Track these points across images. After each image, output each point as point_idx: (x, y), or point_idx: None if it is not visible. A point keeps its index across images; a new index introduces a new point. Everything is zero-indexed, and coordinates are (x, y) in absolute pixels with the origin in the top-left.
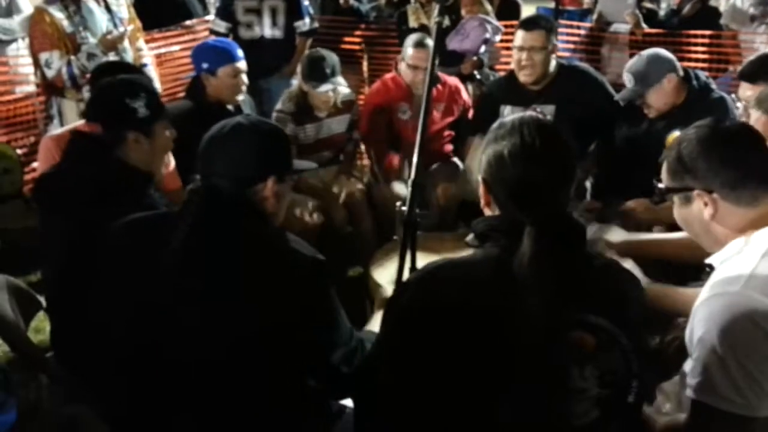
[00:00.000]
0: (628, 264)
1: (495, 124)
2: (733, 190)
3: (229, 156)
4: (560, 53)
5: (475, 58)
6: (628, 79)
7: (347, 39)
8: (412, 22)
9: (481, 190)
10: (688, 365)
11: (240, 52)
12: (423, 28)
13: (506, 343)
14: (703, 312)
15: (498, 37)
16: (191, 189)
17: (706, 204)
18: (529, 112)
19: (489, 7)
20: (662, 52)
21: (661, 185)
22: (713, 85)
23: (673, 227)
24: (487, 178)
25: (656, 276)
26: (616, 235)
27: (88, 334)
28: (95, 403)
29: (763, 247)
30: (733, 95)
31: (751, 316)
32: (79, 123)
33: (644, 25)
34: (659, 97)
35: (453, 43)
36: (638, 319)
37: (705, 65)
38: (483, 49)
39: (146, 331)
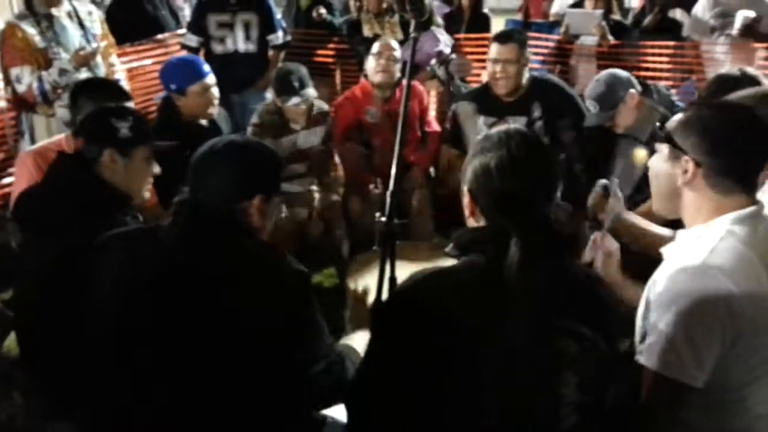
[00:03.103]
0: (614, 245)
1: (481, 136)
2: (716, 175)
3: (219, 171)
4: (530, 65)
5: (428, 68)
6: (592, 106)
7: (320, 52)
8: (366, 32)
9: (465, 200)
10: (639, 331)
11: (206, 67)
12: (377, 39)
13: (494, 349)
14: (662, 283)
15: (449, 50)
16: (178, 200)
17: (685, 171)
18: (515, 125)
19: (440, 21)
20: (618, 71)
21: (662, 132)
22: (674, 98)
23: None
24: (473, 189)
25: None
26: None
27: (67, 351)
28: (74, 419)
29: (722, 230)
30: None
31: (706, 291)
32: (54, 139)
33: (610, 37)
34: (625, 115)
35: (406, 54)
36: (615, 326)
37: (669, 74)
38: (434, 61)
39: (131, 345)
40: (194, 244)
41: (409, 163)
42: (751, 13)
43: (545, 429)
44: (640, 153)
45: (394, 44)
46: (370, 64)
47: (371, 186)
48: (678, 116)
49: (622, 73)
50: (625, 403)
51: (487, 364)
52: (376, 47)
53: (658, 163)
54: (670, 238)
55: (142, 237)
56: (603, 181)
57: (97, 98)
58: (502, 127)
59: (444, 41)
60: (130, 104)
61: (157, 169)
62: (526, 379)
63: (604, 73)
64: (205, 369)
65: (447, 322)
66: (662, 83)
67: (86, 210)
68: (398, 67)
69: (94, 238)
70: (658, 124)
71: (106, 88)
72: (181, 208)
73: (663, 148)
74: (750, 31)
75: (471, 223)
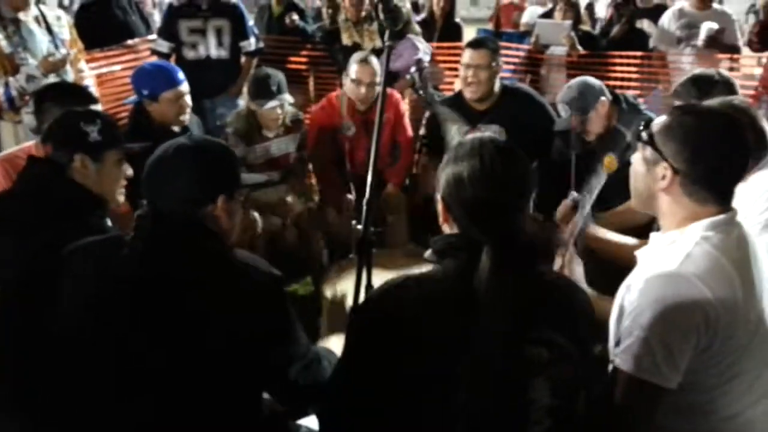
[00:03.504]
0: (579, 268)
1: (454, 144)
2: (693, 184)
3: (176, 179)
4: (501, 74)
5: (408, 76)
6: (564, 110)
7: (293, 59)
8: (346, 40)
9: (439, 208)
10: (614, 336)
11: (181, 75)
12: (356, 47)
13: (464, 357)
14: (637, 287)
15: (428, 57)
16: (139, 214)
17: (663, 177)
18: (488, 134)
19: (418, 29)
20: (590, 79)
21: (644, 134)
22: (642, 106)
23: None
24: (446, 197)
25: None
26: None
27: (36, 360)
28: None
29: (696, 236)
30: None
31: (682, 296)
32: (24, 146)
33: (579, 47)
34: (596, 122)
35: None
36: (586, 330)
37: (636, 84)
38: (414, 69)
39: (102, 356)
40: (161, 255)
41: (384, 179)
42: (715, 25)
43: None
44: (611, 159)
45: (375, 64)
46: (349, 86)
47: (346, 197)
48: (661, 119)
49: (594, 81)
50: (597, 407)
51: (457, 371)
52: (354, 72)
53: (639, 165)
54: (636, 246)
55: (109, 249)
56: (574, 194)
57: (62, 103)
58: (476, 135)
59: (423, 49)
60: (98, 108)
61: (129, 171)
62: (497, 387)
63: (577, 79)
64: (182, 377)
65: (418, 330)
66: (630, 92)
67: (61, 213)
68: (378, 87)
69: (69, 241)
70: (642, 124)
71: (72, 92)
72: (142, 222)
73: (642, 150)
74: (714, 42)
75: (446, 229)
